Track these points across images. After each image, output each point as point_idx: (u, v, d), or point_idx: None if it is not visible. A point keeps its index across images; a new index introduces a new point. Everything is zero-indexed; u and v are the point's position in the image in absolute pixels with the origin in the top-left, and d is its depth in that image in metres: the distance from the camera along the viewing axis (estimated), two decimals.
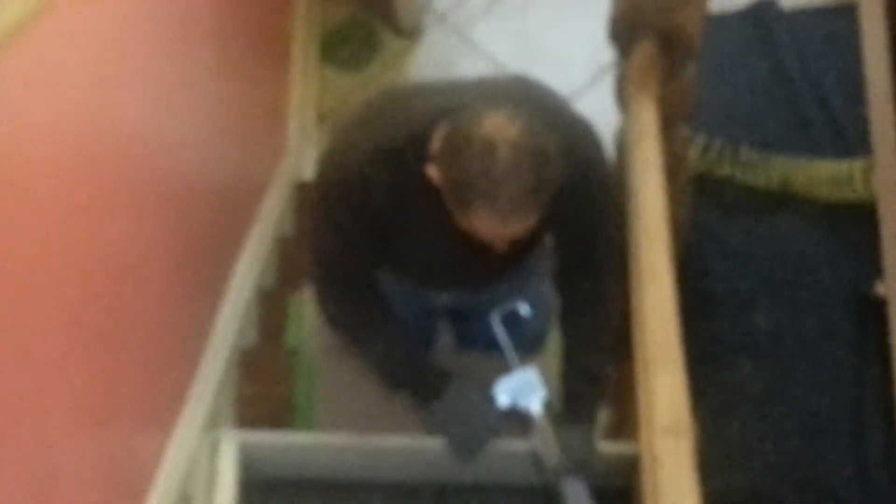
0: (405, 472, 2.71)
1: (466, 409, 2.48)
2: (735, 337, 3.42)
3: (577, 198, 2.13)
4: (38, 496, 1.80)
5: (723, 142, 3.72)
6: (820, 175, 3.60)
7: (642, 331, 2.04)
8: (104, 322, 2.06)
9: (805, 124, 3.83)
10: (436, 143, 1.95)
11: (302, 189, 3.60)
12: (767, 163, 3.67)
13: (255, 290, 3.15)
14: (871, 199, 3.50)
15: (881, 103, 2.62)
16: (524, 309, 2.52)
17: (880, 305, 3.33)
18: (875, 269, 3.43)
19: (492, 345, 2.53)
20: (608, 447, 2.77)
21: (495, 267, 2.28)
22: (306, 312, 2.98)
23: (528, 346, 2.63)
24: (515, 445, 2.51)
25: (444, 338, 2.95)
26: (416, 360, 2.49)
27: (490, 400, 2.47)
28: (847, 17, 3.79)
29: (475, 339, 2.60)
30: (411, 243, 2.24)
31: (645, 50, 2.48)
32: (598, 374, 2.46)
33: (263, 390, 2.90)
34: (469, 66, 4.07)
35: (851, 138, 3.74)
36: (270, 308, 3.21)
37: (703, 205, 3.63)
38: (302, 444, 2.73)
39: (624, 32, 2.53)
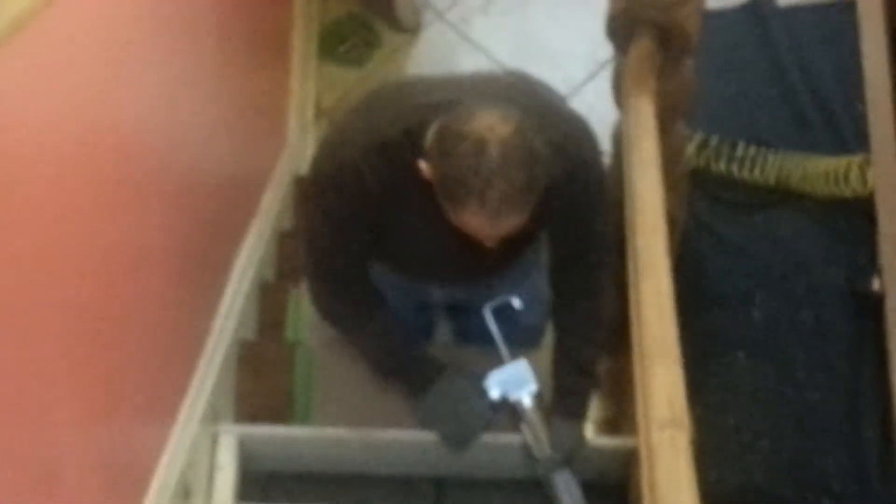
0: (404, 465, 2.72)
1: (457, 400, 2.49)
2: (731, 332, 3.43)
3: (570, 193, 2.14)
4: (39, 488, 1.81)
5: (720, 138, 3.73)
6: (816, 171, 3.60)
7: (640, 325, 2.04)
8: (105, 315, 2.06)
9: (802, 120, 3.83)
10: (429, 138, 1.96)
11: (300, 183, 3.61)
12: (764, 159, 3.67)
13: (255, 284, 3.16)
14: (867, 195, 3.52)
15: (879, 99, 2.62)
16: (517, 302, 2.53)
17: (876, 301, 3.35)
18: (871, 264, 3.45)
19: (489, 339, 2.55)
20: (606, 441, 2.80)
21: (489, 262, 2.29)
22: (306, 306, 2.98)
23: (526, 340, 2.64)
24: (514, 439, 2.53)
25: (443, 332, 2.96)
26: (407, 352, 2.50)
27: (481, 392, 2.49)
28: (843, 13, 3.78)
29: (473, 333, 2.61)
30: (404, 237, 2.25)
31: (643, 46, 2.48)
32: (589, 368, 2.48)
33: (263, 384, 2.91)
34: (467, 63, 4.08)
35: (848, 134, 3.74)
36: (270, 302, 3.21)
37: (699, 200, 3.65)
38: (301, 438, 2.74)
39: (622, 29, 2.53)
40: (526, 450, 2.49)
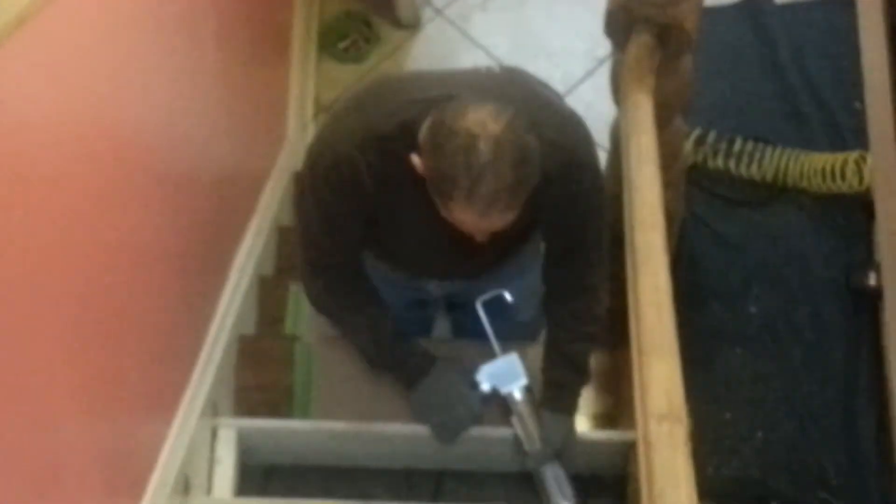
0: (403, 458, 2.73)
1: (448, 392, 2.50)
2: (728, 326, 3.44)
3: (564, 189, 2.15)
4: (40, 482, 1.82)
5: (717, 134, 3.74)
6: (813, 167, 3.61)
7: (638, 319, 2.05)
8: (106, 310, 2.07)
9: (799, 117, 3.84)
10: (422, 133, 1.97)
11: (296, 176, 3.62)
12: (761, 155, 3.68)
13: (255, 279, 3.16)
14: (863, 191, 3.53)
15: (878, 96, 2.62)
16: (508, 295, 2.54)
17: (872, 295, 3.36)
18: (867, 260, 3.46)
19: (487, 334, 2.56)
20: (604, 435, 2.81)
21: (484, 257, 2.30)
22: (305, 301, 2.99)
23: (523, 335, 2.65)
24: (512, 433, 2.55)
25: (442, 328, 2.97)
26: (399, 344, 2.51)
27: (472, 385, 2.50)
28: (841, 10, 3.79)
29: (471, 328, 2.63)
30: (399, 230, 2.26)
31: (641, 43, 2.48)
32: (580, 363, 2.49)
33: (262, 378, 2.91)
34: (466, 59, 4.08)
35: (845, 131, 3.75)
36: (269, 297, 3.22)
37: (697, 196, 3.66)
38: (300, 432, 2.75)
39: (620, 26, 2.54)
40: (516, 443, 2.51)
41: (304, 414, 2.85)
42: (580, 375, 2.52)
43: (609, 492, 2.75)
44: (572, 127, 2.22)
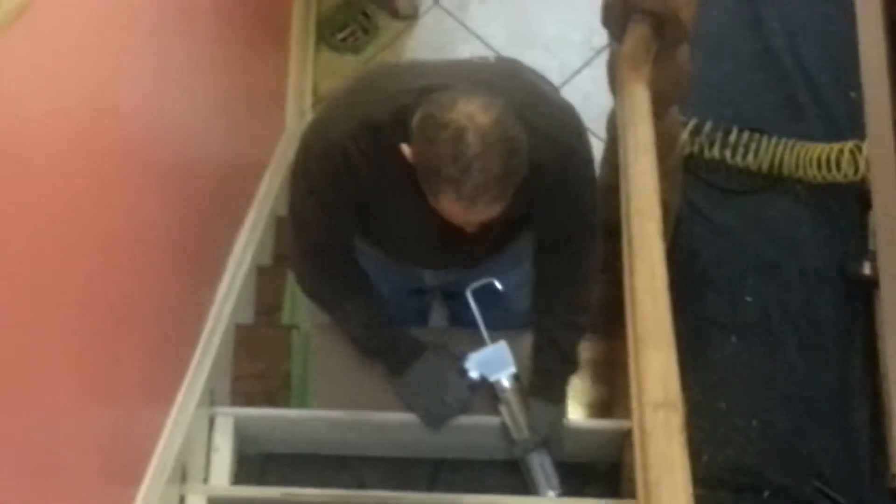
0: (400, 447, 2.74)
1: (436, 379, 2.52)
2: (723, 316, 3.44)
3: (556, 180, 2.15)
4: (38, 471, 1.82)
5: (713, 124, 3.74)
6: (809, 157, 3.62)
7: (634, 308, 2.05)
8: (104, 300, 2.07)
9: (794, 107, 3.84)
10: (413, 123, 1.97)
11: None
12: (757, 145, 3.69)
13: (252, 269, 3.17)
14: (858, 181, 3.54)
15: (875, 85, 2.62)
16: (498, 284, 2.55)
17: (867, 284, 3.37)
18: (862, 249, 3.47)
19: (484, 322, 2.57)
20: (600, 424, 2.82)
21: (477, 246, 2.31)
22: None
23: (516, 325, 2.66)
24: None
25: (438, 317, 2.98)
26: (388, 331, 2.53)
27: (461, 372, 2.52)
28: (836, 0, 3.82)
29: (467, 317, 2.64)
30: (391, 218, 2.27)
31: (637, 33, 2.49)
32: (568, 351, 2.50)
33: (259, 367, 2.92)
34: (464, 50, 4.08)
35: (840, 120, 3.76)
36: (267, 286, 3.22)
37: (693, 186, 3.66)
38: (297, 420, 2.76)
39: (617, 16, 2.54)
40: (504, 431, 2.53)
41: (302, 403, 2.86)
42: (568, 364, 2.54)
43: (604, 481, 2.77)
44: (566, 118, 2.22)
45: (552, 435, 2.51)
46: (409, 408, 2.57)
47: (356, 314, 2.49)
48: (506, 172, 1.88)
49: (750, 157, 3.69)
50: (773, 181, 3.69)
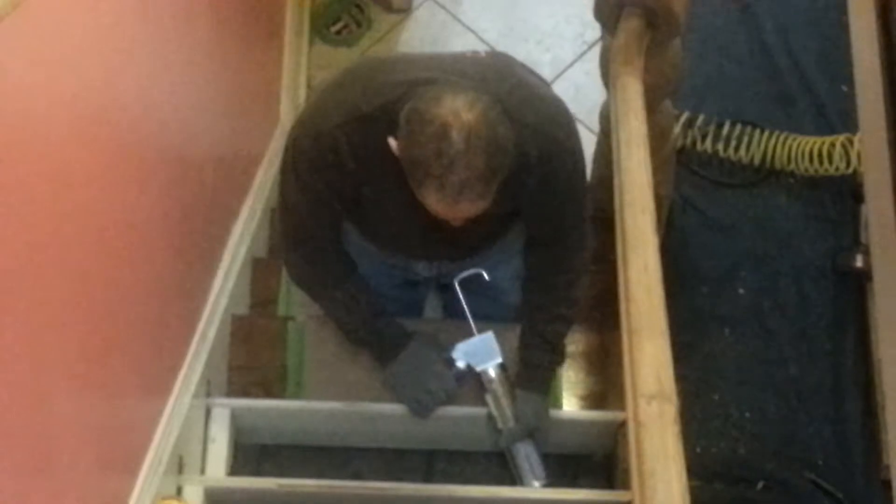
0: (395, 438, 2.75)
1: (423, 369, 2.54)
2: (716, 308, 3.46)
3: (544, 174, 2.16)
4: (34, 458, 1.82)
5: (706, 117, 3.75)
6: (801, 150, 3.63)
7: (627, 300, 2.06)
8: (101, 288, 2.07)
9: (787, 100, 3.85)
10: (401, 116, 1.97)
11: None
12: (749, 138, 3.70)
13: (248, 260, 3.17)
14: (850, 174, 3.56)
15: (868, 79, 2.62)
16: (486, 274, 2.56)
17: (858, 277, 3.39)
18: (854, 241, 3.49)
19: (476, 314, 2.59)
20: (593, 415, 2.83)
21: (465, 239, 2.32)
22: None
23: (508, 317, 2.67)
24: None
25: (433, 308, 2.99)
26: (375, 320, 2.54)
27: (448, 362, 2.53)
28: None
29: (460, 308, 2.65)
30: (380, 209, 2.27)
31: (630, 27, 2.49)
32: (555, 343, 2.52)
33: (255, 358, 2.92)
34: (458, 43, 4.07)
35: (832, 114, 3.77)
36: (262, 278, 3.23)
37: (685, 179, 3.68)
38: (293, 411, 2.76)
39: (609, 10, 2.54)
40: (490, 421, 2.54)
41: (297, 393, 2.86)
42: (555, 356, 2.55)
43: (598, 471, 2.78)
44: (554, 112, 2.23)
45: (538, 425, 2.53)
46: (395, 397, 2.59)
47: (343, 301, 2.50)
48: (489, 170, 1.89)
49: (742, 150, 3.70)
50: (766, 174, 3.71)
